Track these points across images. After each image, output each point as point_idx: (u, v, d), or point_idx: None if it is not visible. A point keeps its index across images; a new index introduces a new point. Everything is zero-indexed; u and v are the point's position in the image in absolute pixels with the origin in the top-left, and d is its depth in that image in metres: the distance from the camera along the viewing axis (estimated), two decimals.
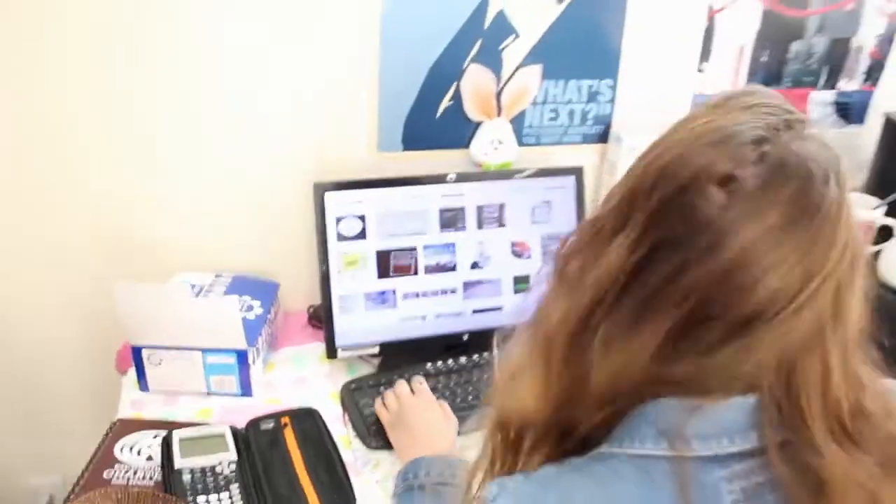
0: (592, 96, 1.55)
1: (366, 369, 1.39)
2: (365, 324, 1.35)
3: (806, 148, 0.62)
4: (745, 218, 0.60)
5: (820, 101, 1.76)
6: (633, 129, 1.56)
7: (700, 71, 1.62)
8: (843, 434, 0.63)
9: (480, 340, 1.37)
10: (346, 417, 1.27)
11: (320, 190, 1.30)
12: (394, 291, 1.37)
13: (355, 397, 1.29)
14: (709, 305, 0.61)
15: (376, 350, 1.37)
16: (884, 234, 1.56)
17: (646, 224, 0.63)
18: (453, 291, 1.40)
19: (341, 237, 1.32)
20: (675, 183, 0.62)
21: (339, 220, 1.31)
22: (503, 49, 1.46)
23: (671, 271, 0.62)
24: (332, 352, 1.34)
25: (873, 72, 1.77)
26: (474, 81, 1.47)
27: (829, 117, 1.79)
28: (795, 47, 1.67)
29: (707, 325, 0.61)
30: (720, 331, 0.61)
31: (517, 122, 1.52)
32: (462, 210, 1.39)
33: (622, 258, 0.64)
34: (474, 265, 1.41)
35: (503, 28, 1.45)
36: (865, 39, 1.73)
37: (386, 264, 1.35)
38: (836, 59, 1.72)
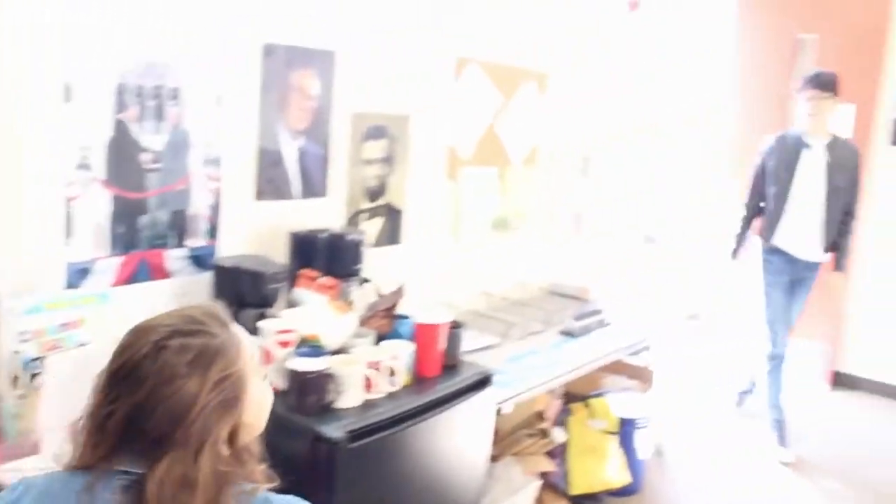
0: None
1: None
2: None
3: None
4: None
5: (175, 256, 2.34)
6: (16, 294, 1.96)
7: (68, 245, 2.09)
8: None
9: None
10: None
11: None
12: None
13: None
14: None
15: None
16: None
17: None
18: None
19: None
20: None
21: None
22: None
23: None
24: None
25: (213, 230, 2.42)
26: None
27: (187, 268, 2.37)
28: (143, 220, 2.24)
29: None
30: None
31: None
32: None
33: None
34: None
35: None
36: (199, 209, 2.37)
37: None
38: (180, 225, 2.33)
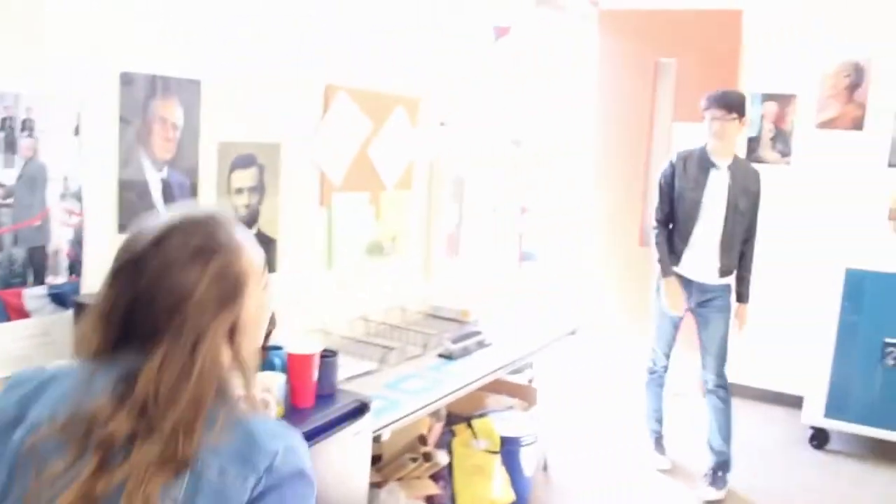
0: None
1: None
2: None
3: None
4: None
5: (34, 295, 2.24)
6: None
7: None
8: None
9: None
10: None
11: None
12: None
13: None
14: None
15: None
16: None
17: None
18: None
19: None
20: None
21: None
22: None
23: None
24: None
25: (76, 266, 2.33)
26: None
27: (48, 306, 2.27)
28: None
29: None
30: None
31: None
32: None
33: None
34: None
35: None
36: (60, 245, 2.28)
37: None
38: (38, 262, 2.23)
